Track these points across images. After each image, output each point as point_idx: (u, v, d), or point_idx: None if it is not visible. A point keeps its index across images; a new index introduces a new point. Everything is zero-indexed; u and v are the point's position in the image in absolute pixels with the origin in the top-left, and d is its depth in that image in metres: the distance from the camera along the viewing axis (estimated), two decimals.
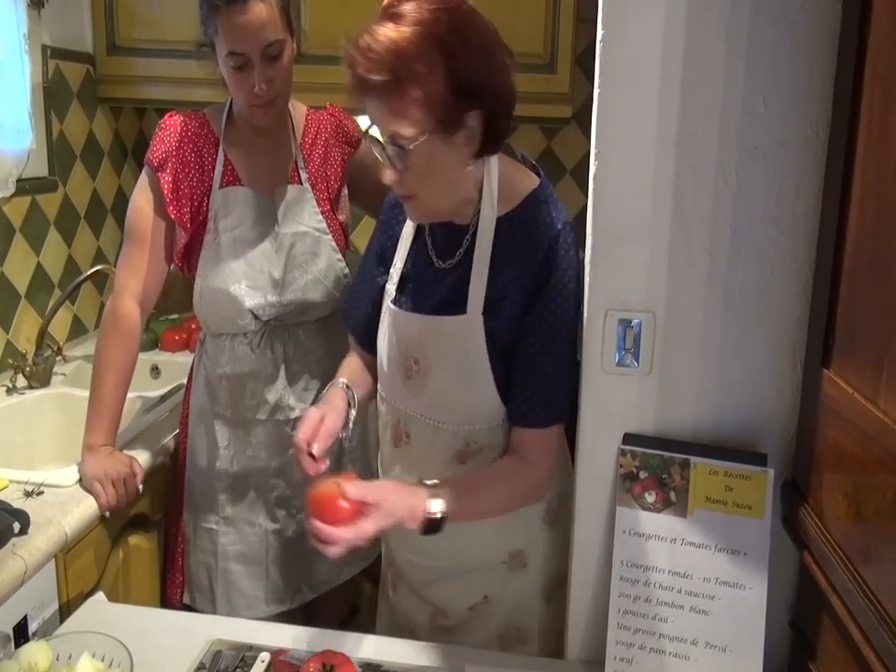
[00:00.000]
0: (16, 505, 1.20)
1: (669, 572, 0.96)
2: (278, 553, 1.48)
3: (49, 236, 1.95)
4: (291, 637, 1.08)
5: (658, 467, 0.98)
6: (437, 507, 0.98)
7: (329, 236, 1.44)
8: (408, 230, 1.15)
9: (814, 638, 0.92)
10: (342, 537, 0.94)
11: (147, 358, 2.01)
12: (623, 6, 0.93)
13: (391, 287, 1.14)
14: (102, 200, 2.18)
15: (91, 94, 2.09)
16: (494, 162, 1.05)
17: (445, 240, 1.10)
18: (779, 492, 0.97)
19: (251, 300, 1.38)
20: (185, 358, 1.99)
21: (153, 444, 1.51)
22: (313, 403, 1.32)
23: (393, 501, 0.99)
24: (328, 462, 1.05)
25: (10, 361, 1.74)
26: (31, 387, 1.73)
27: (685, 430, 1.00)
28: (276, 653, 1.03)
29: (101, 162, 2.17)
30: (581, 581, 1.06)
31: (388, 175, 1.00)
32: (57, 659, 0.94)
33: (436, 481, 1.03)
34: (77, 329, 2.07)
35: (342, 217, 1.49)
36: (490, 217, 1.04)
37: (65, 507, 1.25)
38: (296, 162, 1.43)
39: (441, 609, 1.20)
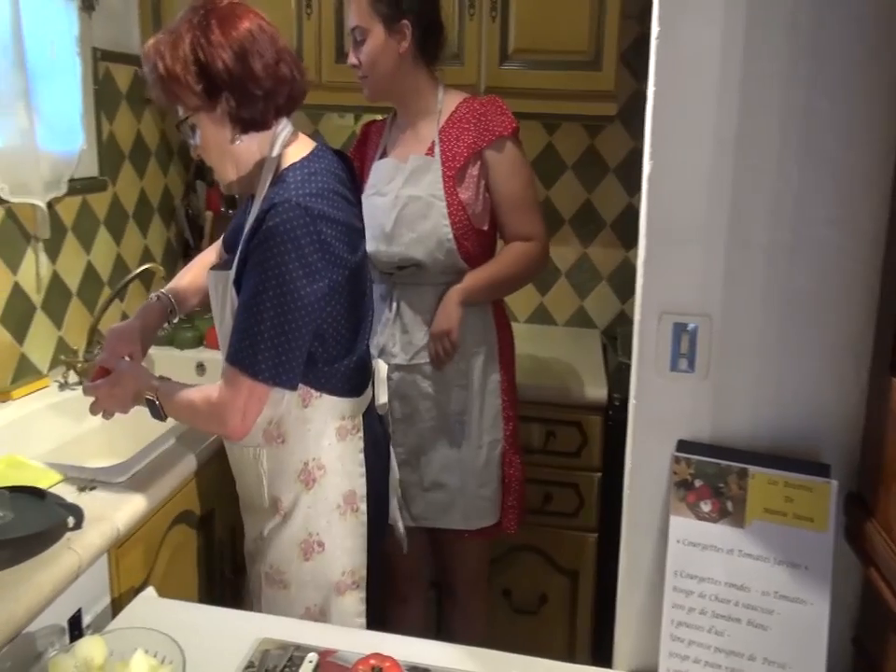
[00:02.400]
0: (69, 500, 1.23)
1: (725, 584, 0.94)
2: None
3: (99, 235, 1.99)
4: (340, 638, 1.08)
5: (714, 475, 0.95)
6: (151, 394, 1.24)
7: (443, 203, 1.59)
8: None
9: (880, 657, 0.89)
10: (85, 385, 1.31)
11: (192, 356, 2.04)
12: (681, 1, 0.90)
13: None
14: (149, 199, 2.22)
15: (138, 96, 2.12)
16: (278, 143, 1.23)
17: (244, 209, 1.33)
18: (843, 504, 0.94)
19: (369, 246, 1.52)
20: None
21: (197, 445, 1.52)
22: (411, 358, 1.63)
23: (121, 374, 1.28)
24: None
25: (62, 357, 1.78)
26: (81, 383, 1.77)
27: (742, 438, 0.97)
28: (324, 654, 1.03)
29: (148, 163, 2.21)
30: (631, 590, 1.04)
31: (191, 149, 1.25)
32: (111, 654, 0.96)
33: (167, 376, 1.29)
34: None
35: (464, 196, 1.61)
36: (261, 191, 1.22)
37: (117, 502, 1.27)
38: (434, 141, 1.63)
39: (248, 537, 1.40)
